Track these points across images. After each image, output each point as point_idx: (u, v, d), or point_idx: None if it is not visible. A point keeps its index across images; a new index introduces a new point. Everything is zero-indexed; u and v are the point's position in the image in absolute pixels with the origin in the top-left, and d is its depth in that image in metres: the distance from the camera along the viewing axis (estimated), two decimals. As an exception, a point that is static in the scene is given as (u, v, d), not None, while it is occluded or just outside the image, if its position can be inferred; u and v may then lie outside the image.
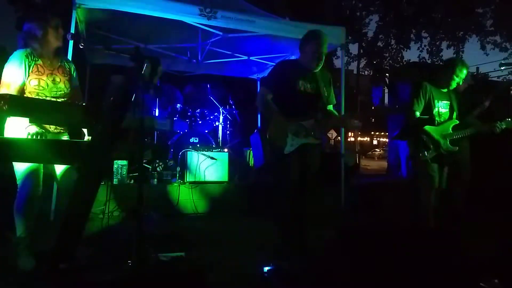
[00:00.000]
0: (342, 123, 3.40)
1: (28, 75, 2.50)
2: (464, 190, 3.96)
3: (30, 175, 2.50)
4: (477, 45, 13.04)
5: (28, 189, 2.50)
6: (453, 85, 3.51)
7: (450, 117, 3.52)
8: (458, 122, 3.51)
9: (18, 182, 2.52)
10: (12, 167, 2.52)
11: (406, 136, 3.71)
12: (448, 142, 3.42)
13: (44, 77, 2.55)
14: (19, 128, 2.38)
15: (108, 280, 2.12)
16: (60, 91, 2.63)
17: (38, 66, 2.54)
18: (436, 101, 3.49)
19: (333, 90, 3.10)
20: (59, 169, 2.64)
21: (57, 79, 2.62)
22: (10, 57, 2.50)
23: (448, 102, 3.54)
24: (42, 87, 2.54)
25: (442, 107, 3.52)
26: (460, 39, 13.09)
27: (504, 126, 3.46)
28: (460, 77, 3.47)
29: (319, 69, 2.96)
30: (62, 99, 2.63)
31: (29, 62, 2.50)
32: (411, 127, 3.56)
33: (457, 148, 3.43)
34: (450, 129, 3.47)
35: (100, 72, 6.14)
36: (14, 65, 2.47)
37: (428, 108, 3.47)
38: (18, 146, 1.88)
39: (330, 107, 3.07)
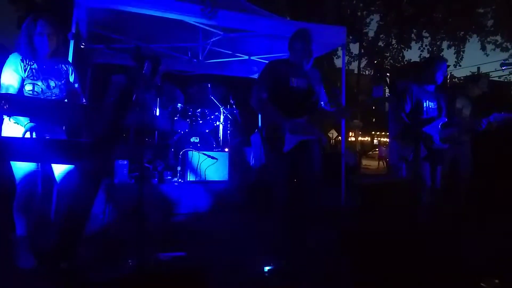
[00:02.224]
0: (339, 116, 3.38)
1: (24, 80, 2.48)
2: (464, 189, 3.96)
3: (29, 174, 2.49)
4: (478, 45, 13.03)
5: (27, 188, 2.50)
6: (439, 80, 3.57)
7: (439, 115, 3.57)
8: (446, 120, 3.55)
9: (17, 181, 2.51)
10: (10, 166, 2.52)
11: (402, 137, 3.75)
12: (438, 139, 3.47)
13: (39, 82, 2.52)
14: (17, 127, 2.38)
15: (108, 280, 2.13)
16: (55, 96, 2.60)
17: (33, 70, 2.51)
18: (424, 101, 3.55)
19: (323, 87, 3.11)
20: (60, 169, 2.63)
21: (52, 84, 2.59)
22: (6, 60, 2.48)
23: (436, 101, 3.61)
24: (37, 92, 2.51)
25: (430, 107, 3.58)
26: (461, 39, 13.06)
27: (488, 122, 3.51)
28: (442, 70, 3.55)
29: (309, 66, 2.98)
30: None
31: (24, 66, 2.48)
32: (403, 129, 3.62)
33: (447, 146, 3.50)
34: (440, 126, 3.50)
35: (101, 71, 6.14)
36: (10, 69, 2.45)
37: (417, 109, 3.53)
38: (16, 145, 1.88)
39: (322, 104, 3.08)
